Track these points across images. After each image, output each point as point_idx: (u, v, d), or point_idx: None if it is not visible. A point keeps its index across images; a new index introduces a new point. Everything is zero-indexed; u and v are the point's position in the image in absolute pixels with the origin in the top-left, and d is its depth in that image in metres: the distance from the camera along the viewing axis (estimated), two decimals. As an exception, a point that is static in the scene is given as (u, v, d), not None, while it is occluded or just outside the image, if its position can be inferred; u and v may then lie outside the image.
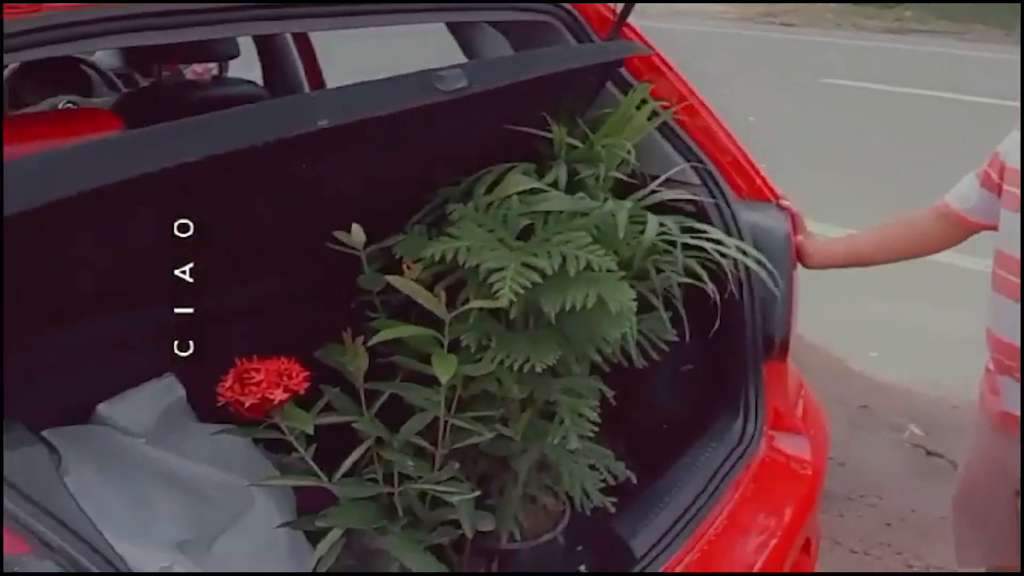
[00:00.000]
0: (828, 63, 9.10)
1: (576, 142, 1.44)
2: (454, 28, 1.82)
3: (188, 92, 2.45)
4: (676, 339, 1.44)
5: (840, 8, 12.92)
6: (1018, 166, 1.41)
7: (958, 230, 1.56)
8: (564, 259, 1.15)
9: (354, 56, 3.31)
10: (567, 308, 1.13)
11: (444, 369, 1.17)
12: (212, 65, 3.07)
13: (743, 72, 8.31)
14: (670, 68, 1.65)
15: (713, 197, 1.58)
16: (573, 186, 1.38)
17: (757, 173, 1.66)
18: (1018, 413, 1.47)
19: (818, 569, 1.75)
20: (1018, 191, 1.41)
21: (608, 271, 1.16)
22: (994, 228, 1.49)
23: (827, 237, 1.76)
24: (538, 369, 1.15)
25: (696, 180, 1.61)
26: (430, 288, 1.23)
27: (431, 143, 1.34)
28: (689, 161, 1.61)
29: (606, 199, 1.33)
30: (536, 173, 1.37)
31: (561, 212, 1.25)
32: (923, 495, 2.60)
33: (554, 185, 1.33)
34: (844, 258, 1.71)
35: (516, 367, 1.17)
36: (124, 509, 1.26)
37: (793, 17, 12.55)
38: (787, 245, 1.59)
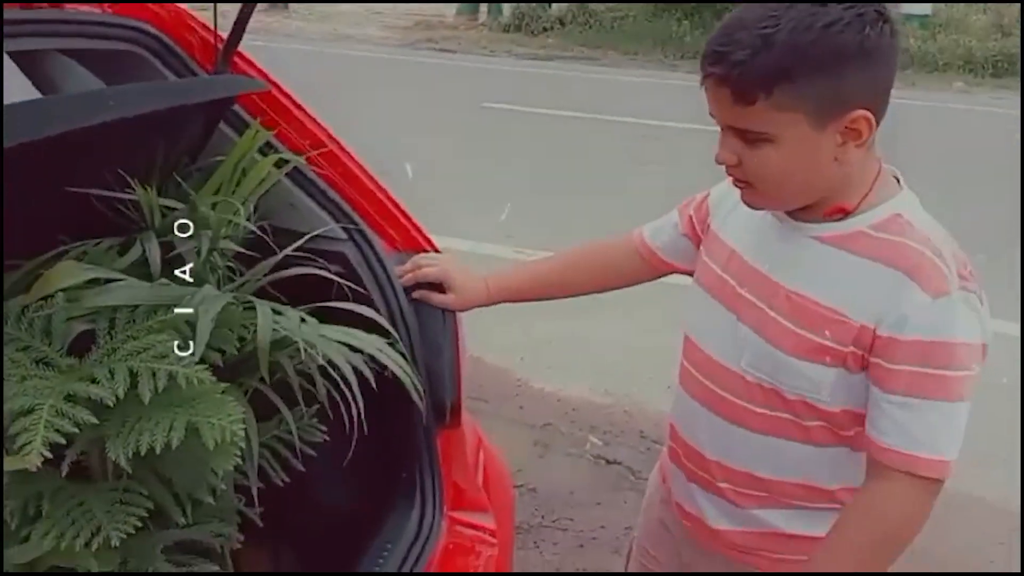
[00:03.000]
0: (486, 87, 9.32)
1: (176, 203, 1.07)
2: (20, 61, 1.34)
3: None
4: (327, 436, 1.13)
5: (492, 36, 13.49)
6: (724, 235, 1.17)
7: (650, 267, 1.32)
8: (135, 378, 0.78)
9: None
10: (141, 452, 0.76)
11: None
12: None
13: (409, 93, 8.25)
14: (300, 107, 1.33)
15: (364, 257, 1.28)
16: (174, 265, 1.00)
17: (410, 221, 1.39)
18: (684, 504, 1.25)
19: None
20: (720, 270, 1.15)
21: (203, 383, 0.81)
22: (690, 273, 1.25)
23: (502, 268, 1.42)
24: (114, 543, 0.77)
25: (343, 236, 1.31)
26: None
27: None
28: (333, 215, 1.30)
29: (217, 281, 0.98)
30: (119, 253, 0.98)
31: (134, 309, 0.86)
32: (609, 509, 2.55)
33: (141, 268, 0.95)
34: (528, 290, 1.39)
35: (87, 540, 0.78)
36: None
37: (452, 44, 12.82)
38: None
